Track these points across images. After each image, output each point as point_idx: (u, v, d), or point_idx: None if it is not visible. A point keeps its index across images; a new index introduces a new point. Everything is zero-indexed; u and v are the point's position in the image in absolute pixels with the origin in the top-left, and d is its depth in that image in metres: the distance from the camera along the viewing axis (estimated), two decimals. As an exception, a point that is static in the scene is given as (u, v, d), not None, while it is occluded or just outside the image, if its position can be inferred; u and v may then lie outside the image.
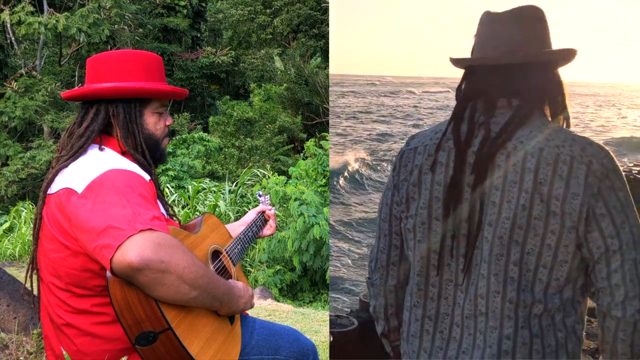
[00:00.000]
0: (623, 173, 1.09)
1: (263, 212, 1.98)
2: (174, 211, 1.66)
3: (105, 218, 1.19)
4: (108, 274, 1.19)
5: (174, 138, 12.74)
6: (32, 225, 1.74)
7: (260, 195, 2.07)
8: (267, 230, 1.99)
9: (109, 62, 1.50)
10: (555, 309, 1.09)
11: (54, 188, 1.37)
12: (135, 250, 1.13)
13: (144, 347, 1.21)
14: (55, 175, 1.40)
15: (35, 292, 1.49)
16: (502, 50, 1.15)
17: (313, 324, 3.85)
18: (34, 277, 1.47)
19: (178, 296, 1.20)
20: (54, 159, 1.46)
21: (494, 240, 1.09)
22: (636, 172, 4.07)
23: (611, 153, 1.10)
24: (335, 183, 13.98)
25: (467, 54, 1.23)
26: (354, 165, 15.66)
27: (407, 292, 1.27)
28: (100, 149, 1.43)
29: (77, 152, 1.41)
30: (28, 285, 1.52)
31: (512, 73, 1.15)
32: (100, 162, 1.36)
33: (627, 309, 1.05)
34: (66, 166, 1.39)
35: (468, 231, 1.13)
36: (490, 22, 1.19)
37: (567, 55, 1.17)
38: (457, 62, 1.23)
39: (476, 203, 1.11)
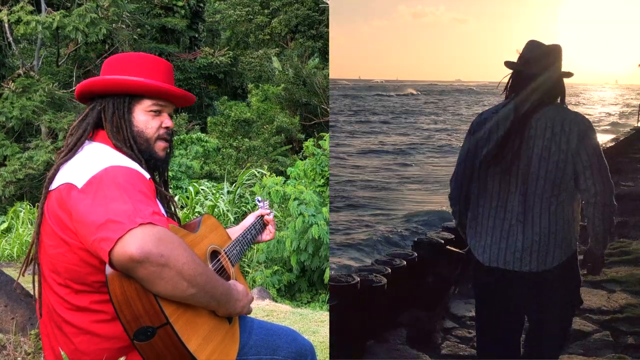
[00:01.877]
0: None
1: (262, 216, 1.98)
2: (176, 208, 1.67)
3: (106, 212, 1.19)
4: (107, 269, 1.19)
5: (171, 138, 12.67)
6: (31, 224, 1.74)
7: (259, 201, 2.07)
8: (267, 235, 1.99)
9: (112, 61, 1.53)
10: (567, 196, 1.95)
11: (55, 184, 1.38)
12: (135, 242, 1.14)
13: (143, 342, 1.21)
14: (56, 171, 1.41)
15: (36, 291, 1.49)
16: (540, 64, 1.99)
17: (311, 324, 3.84)
18: (35, 276, 1.47)
19: (176, 292, 1.21)
20: (56, 154, 1.48)
21: (539, 162, 1.94)
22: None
23: (587, 118, 1.97)
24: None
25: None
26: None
27: (473, 200, 2.08)
28: (88, 141, 1.45)
29: (75, 146, 1.43)
30: (21, 280, 1.52)
31: (544, 77, 1.99)
32: (101, 158, 1.37)
33: (597, 199, 1.93)
34: (67, 161, 1.40)
35: (515, 151, 1.96)
36: (534, 47, 2.02)
37: (568, 74, 2.03)
38: (509, 64, 2.05)
39: (522, 142, 1.94)
